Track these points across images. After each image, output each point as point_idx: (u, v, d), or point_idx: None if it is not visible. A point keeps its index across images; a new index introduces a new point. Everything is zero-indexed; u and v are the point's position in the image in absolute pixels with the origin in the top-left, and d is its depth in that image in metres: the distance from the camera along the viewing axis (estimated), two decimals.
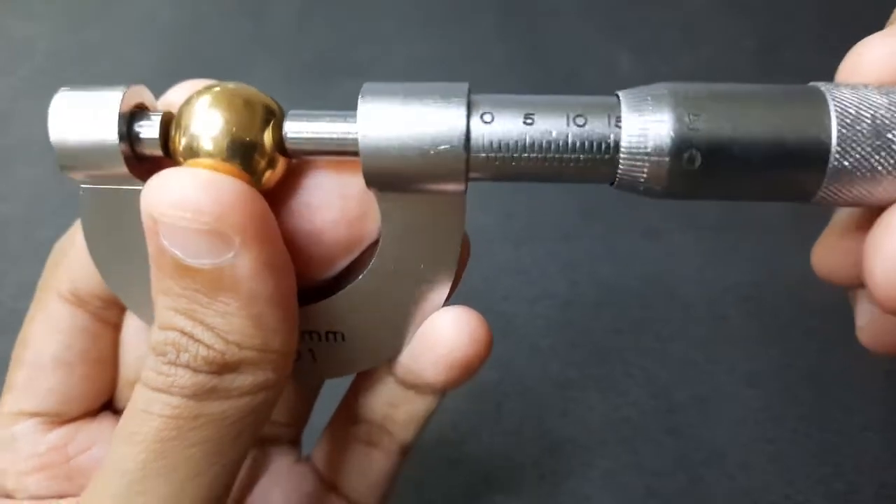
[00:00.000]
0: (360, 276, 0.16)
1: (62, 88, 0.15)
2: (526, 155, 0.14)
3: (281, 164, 0.15)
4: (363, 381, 0.19)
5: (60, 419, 0.18)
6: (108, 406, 0.20)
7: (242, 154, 0.14)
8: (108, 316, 0.18)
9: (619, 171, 0.13)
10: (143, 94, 0.15)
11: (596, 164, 0.14)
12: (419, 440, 0.19)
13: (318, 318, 0.17)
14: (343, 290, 0.16)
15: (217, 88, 0.15)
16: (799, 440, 0.33)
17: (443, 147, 0.14)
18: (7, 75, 0.47)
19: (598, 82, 0.49)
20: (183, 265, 0.13)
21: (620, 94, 0.14)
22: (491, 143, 0.14)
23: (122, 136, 0.15)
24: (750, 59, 0.50)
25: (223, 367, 0.14)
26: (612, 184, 0.14)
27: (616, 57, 0.51)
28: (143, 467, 0.14)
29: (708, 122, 0.13)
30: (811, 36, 0.52)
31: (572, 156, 0.13)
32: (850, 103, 0.13)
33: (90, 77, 0.46)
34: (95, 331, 0.18)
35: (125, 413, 0.15)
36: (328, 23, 0.53)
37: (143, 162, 0.15)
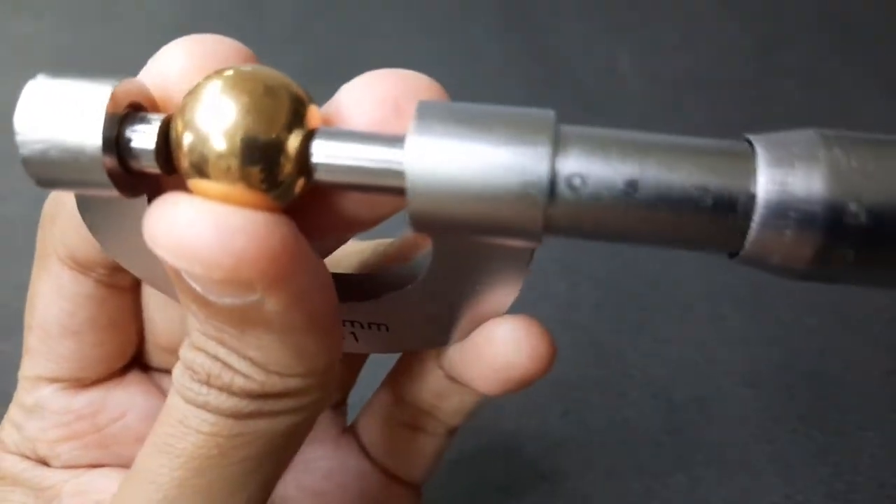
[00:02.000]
0: (409, 287, 0.14)
1: (39, 75, 0.11)
2: (627, 212, 0.10)
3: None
4: (409, 368, 0.17)
5: (81, 384, 0.17)
6: (136, 362, 0.18)
7: (262, 157, 0.11)
8: (116, 280, 0.16)
9: (749, 242, 0.10)
10: (140, 91, 0.12)
11: (719, 228, 0.10)
12: None
13: (361, 312, 0.15)
14: (388, 295, 0.14)
15: (231, 72, 0.11)
16: (799, 440, 0.33)
17: (516, 195, 0.10)
18: (7, 75, 0.47)
19: (599, 82, 0.49)
20: (204, 299, 0.12)
21: (754, 139, 0.11)
22: (582, 194, 0.10)
23: (107, 145, 0.11)
24: (750, 60, 0.50)
25: (264, 396, 0.13)
26: (732, 256, 0.11)
27: (616, 57, 0.51)
28: (179, 484, 0.13)
29: (876, 200, 0.10)
30: (811, 36, 0.52)
31: (687, 217, 0.10)
32: None
33: None
34: (102, 296, 0.16)
35: (161, 415, 0.13)
36: (328, 23, 0.53)
37: (138, 178, 0.12)
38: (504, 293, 0.14)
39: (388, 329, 0.15)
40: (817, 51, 0.50)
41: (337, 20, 0.53)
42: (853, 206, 0.10)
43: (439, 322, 0.15)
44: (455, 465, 0.31)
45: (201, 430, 0.13)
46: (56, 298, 0.16)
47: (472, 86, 0.48)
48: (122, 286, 0.17)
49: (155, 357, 0.18)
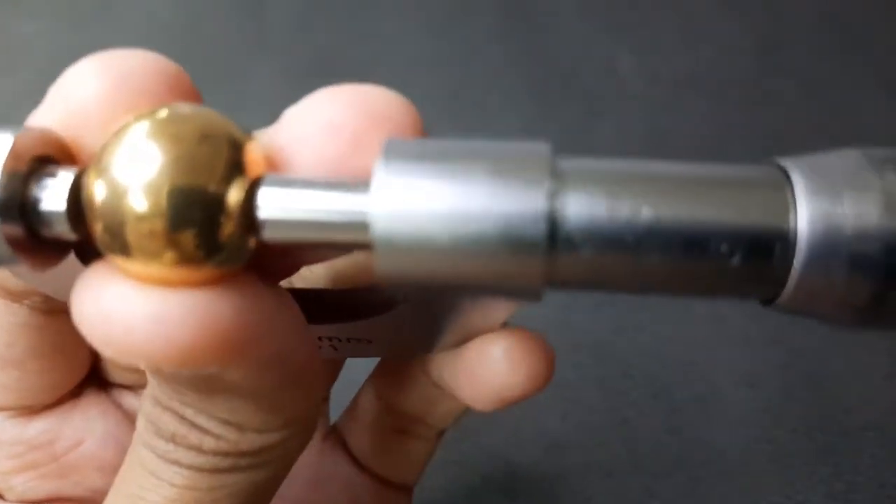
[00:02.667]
0: (394, 310, 0.13)
1: None
2: (640, 265, 0.09)
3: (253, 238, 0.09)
4: (393, 374, 0.16)
5: (32, 411, 0.16)
6: (92, 379, 0.17)
7: (197, 216, 0.09)
8: (54, 306, 0.14)
9: (790, 289, 0.09)
10: (48, 139, 0.10)
11: (752, 277, 0.09)
12: None
13: (340, 331, 0.13)
14: (368, 319, 0.13)
15: (160, 113, 0.09)
16: (799, 440, 0.33)
17: (509, 251, 0.09)
18: (6, 76, 0.47)
19: (599, 82, 0.49)
20: (161, 369, 0.10)
21: (789, 165, 0.09)
22: (587, 247, 0.09)
23: (7, 211, 0.09)
24: (750, 60, 0.50)
25: (240, 454, 0.11)
26: (768, 303, 0.09)
27: (616, 57, 0.51)
28: None
29: None
30: (811, 36, 0.52)
31: (714, 266, 0.09)
32: None
33: None
34: (40, 324, 0.15)
35: (126, 462, 0.12)
36: (328, 23, 0.53)
37: (53, 246, 0.10)
38: (499, 308, 0.13)
39: (369, 342, 0.14)
40: (817, 51, 0.50)
41: (337, 20, 0.53)
42: None
43: (427, 335, 0.14)
44: (455, 466, 0.31)
45: (175, 484, 0.11)
46: None
47: (472, 86, 0.48)
48: (62, 310, 0.14)
49: (114, 374, 0.17)
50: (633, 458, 0.32)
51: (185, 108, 0.09)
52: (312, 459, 0.18)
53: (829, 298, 0.09)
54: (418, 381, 0.15)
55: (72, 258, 0.11)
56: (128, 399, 0.18)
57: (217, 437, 0.11)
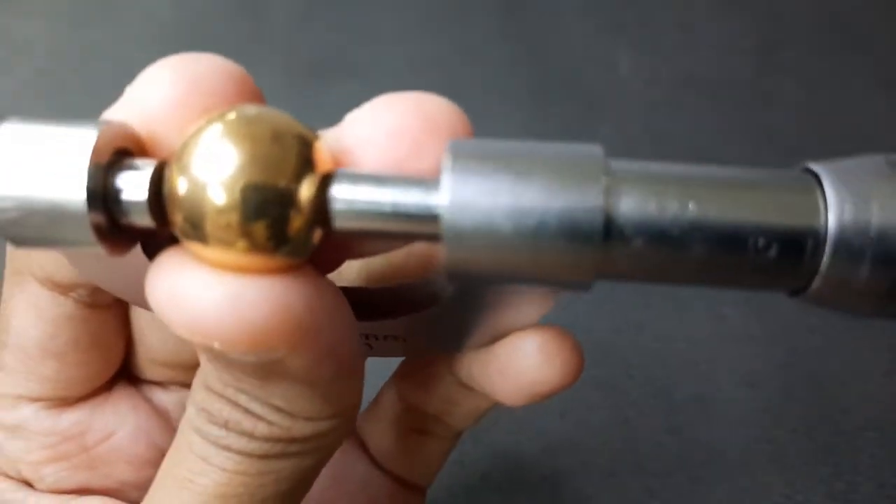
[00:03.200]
0: (431, 308, 0.13)
1: (6, 122, 0.10)
2: (684, 259, 0.10)
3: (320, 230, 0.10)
4: (416, 373, 0.17)
5: (66, 402, 0.16)
6: (123, 374, 0.18)
7: (268, 211, 0.09)
8: (98, 299, 0.15)
9: (817, 282, 0.10)
10: (124, 133, 0.10)
11: (784, 271, 0.10)
12: None
13: (376, 327, 0.14)
14: (407, 316, 0.13)
15: (233, 114, 0.10)
16: (799, 440, 0.33)
17: (567, 244, 0.09)
18: (6, 76, 0.47)
19: (599, 82, 0.49)
20: (223, 354, 0.10)
21: (819, 169, 0.10)
22: (637, 242, 0.10)
23: (93, 202, 0.10)
24: (750, 60, 0.50)
25: (291, 440, 0.12)
26: (795, 294, 0.10)
27: (616, 57, 0.51)
28: None
29: None
30: (811, 36, 0.52)
31: (750, 261, 0.10)
32: None
33: (89, 77, 0.46)
34: (84, 317, 0.15)
35: (175, 445, 0.13)
36: (328, 23, 0.53)
37: (127, 232, 0.10)
38: (535, 307, 0.13)
39: (403, 340, 0.14)
40: (817, 51, 0.50)
41: (337, 20, 0.53)
42: None
43: (460, 332, 0.14)
44: (456, 466, 0.31)
45: (226, 468, 0.12)
46: (34, 320, 0.15)
47: (472, 86, 0.48)
48: (105, 304, 0.16)
49: (148, 370, 0.18)
50: (633, 458, 0.32)
51: (253, 109, 0.10)
52: (333, 458, 0.19)
53: (852, 290, 0.10)
54: (442, 380, 0.16)
55: (136, 250, 0.11)
56: (158, 395, 0.18)
57: (270, 423, 0.12)
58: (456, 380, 0.15)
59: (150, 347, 0.17)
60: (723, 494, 0.31)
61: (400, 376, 0.18)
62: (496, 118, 0.46)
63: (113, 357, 0.17)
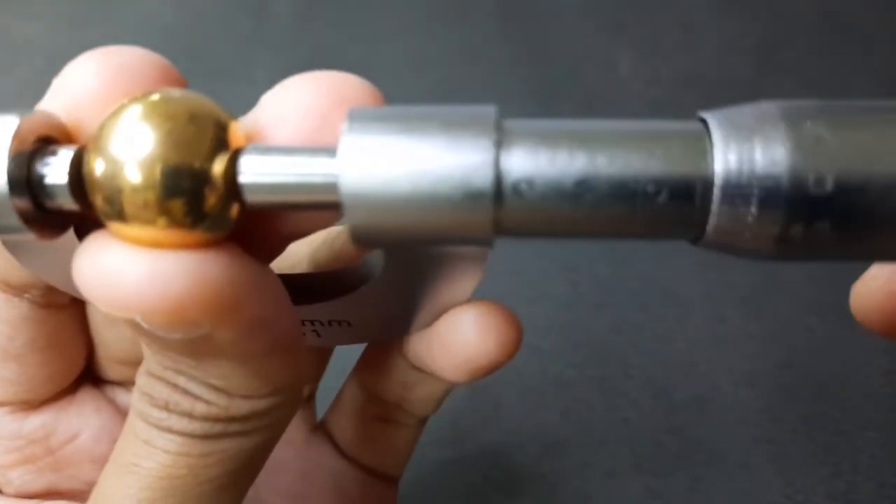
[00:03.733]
0: (364, 287, 0.14)
1: None
2: (578, 210, 0.10)
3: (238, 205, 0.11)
4: (373, 360, 0.17)
5: (30, 406, 0.17)
6: (87, 376, 0.18)
7: (184, 189, 0.10)
8: (53, 300, 0.15)
9: (711, 225, 0.10)
10: (48, 122, 0.11)
11: (677, 218, 0.10)
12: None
13: (321, 312, 0.14)
14: (345, 296, 0.14)
15: (153, 96, 0.10)
16: (799, 440, 0.33)
17: (462, 202, 0.10)
18: (6, 75, 0.47)
19: (599, 82, 0.49)
20: (153, 334, 0.11)
21: (709, 116, 0.10)
22: (530, 197, 0.10)
23: (15, 187, 0.10)
24: (750, 59, 0.50)
25: (230, 419, 0.12)
26: (695, 242, 0.11)
27: (616, 57, 0.51)
28: None
29: (842, 171, 0.09)
30: (811, 36, 0.52)
31: (643, 210, 0.10)
32: None
33: None
34: (40, 317, 0.15)
35: (123, 435, 0.13)
36: (328, 22, 0.53)
37: (56, 216, 0.11)
38: (465, 282, 0.13)
39: (349, 325, 0.15)
40: (817, 50, 0.50)
41: (336, 20, 0.53)
42: (819, 175, 0.09)
43: (401, 315, 0.14)
44: (456, 465, 0.31)
45: (169, 450, 0.12)
46: None
47: (472, 86, 0.48)
48: (61, 304, 0.16)
49: (108, 370, 0.18)
50: (633, 458, 0.32)
51: (175, 92, 0.10)
52: (301, 453, 0.19)
53: (746, 234, 0.10)
54: (397, 366, 0.16)
55: (71, 240, 0.12)
56: (121, 395, 0.18)
57: (207, 402, 0.12)
58: (408, 364, 0.16)
59: (108, 346, 0.17)
60: (723, 494, 0.31)
61: (360, 365, 0.18)
62: None
63: (74, 358, 0.17)
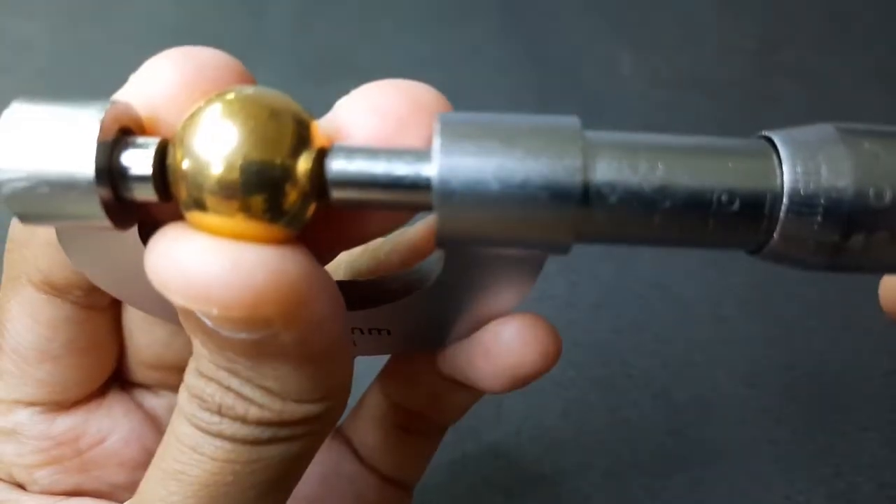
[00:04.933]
0: (415, 294, 0.14)
1: (15, 101, 0.10)
2: (655, 219, 0.10)
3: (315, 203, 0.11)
4: (399, 370, 0.17)
5: (61, 406, 0.17)
6: (116, 379, 0.18)
7: (266, 185, 0.10)
8: (93, 301, 0.16)
9: (777, 234, 0.11)
10: (128, 113, 0.11)
11: (746, 228, 0.11)
12: None
13: (362, 319, 0.14)
14: (391, 303, 0.14)
15: (232, 94, 0.10)
16: (799, 440, 0.33)
17: (548, 208, 0.10)
18: (6, 75, 0.47)
19: (600, 82, 0.49)
20: (216, 333, 0.11)
21: (774, 136, 0.11)
22: (612, 204, 0.10)
23: (101, 176, 0.10)
24: (751, 59, 0.50)
25: (282, 423, 0.12)
26: (759, 250, 0.11)
27: (617, 57, 0.51)
28: None
29: None
30: (812, 36, 0.52)
31: (715, 220, 0.10)
32: None
33: (89, 77, 0.46)
34: (80, 319, 0.16)
35: (165, 440, 0.13)
36: (328, 23, 0.53)
37: (130, 207, 0.11)
38: (512, 295, 0.14)
39: (388, 333, 0.15)
40: (818, 50, 0.50)
41: (337, 20, 0.53)
42: (879, 188, 0.10)
43: (442, 325, 0.14)
44: (456, 466, 0.31)
45: (216, 458, 0.12)
46: (31, 323, 0.15)
47: (472, 86, 0.48)
48: (100, 306, 0.16)
49: (138, 374, 0.18)
50: (633, 458, 0.32)
51: (251, 89, 0.11)
52: (321, 457, 0.19)
53: (807, 243, 0.11)
54: (426, 377, 0.16)
55: (129, 238, 0.12)
56: (149, 399, 0.18)
57: (261, 406, 0.12)
58: (439, 375, 0.16)
59: (140, 349, 0.17)
60: (723, 494, 0.31)
61: (385, 375, 0.18)
62: None
63: (106, 361, 0.17)
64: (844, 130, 0.11)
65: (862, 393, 0.34)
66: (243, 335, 0.11)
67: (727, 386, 0.34)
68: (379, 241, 0.17)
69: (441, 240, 0.11)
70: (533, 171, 0.10)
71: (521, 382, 0.15)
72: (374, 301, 0.14)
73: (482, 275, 0.13)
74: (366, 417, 0.19)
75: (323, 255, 0.13)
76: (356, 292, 0.15)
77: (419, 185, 0.10)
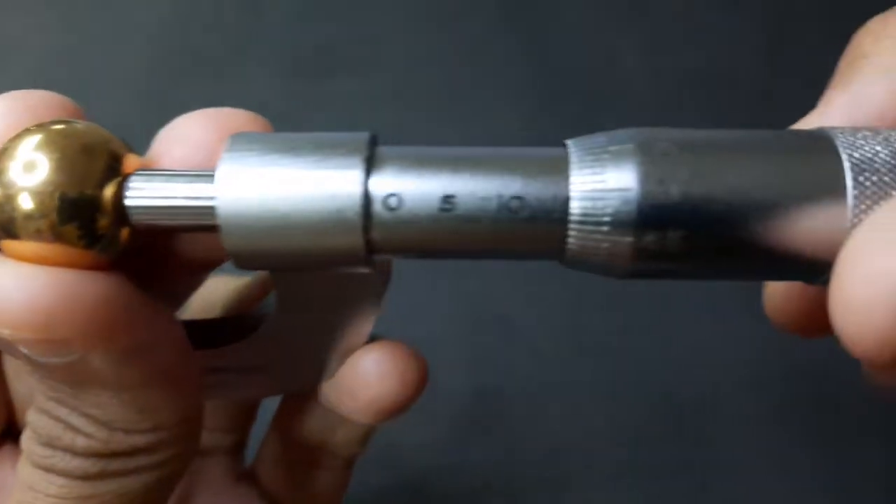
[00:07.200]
0: (260, 329, 0.14)
1: None
2: (447, 227, 0.10)
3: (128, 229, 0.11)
4: (292, 406, 0.17)
5: None
6: (9, 434, 0.17)
7: (76, 213, 0.10)
8: None
9: (571, 240, 0.11)
10: None
11: (538, 236, 0.11)
12: (412, 444, 0.19)
13: (230, 359, 0.14)
14: (246, 339, 0.14)
15: (49, 128, 0.11)
16: (801, 443, 0.32)
17: (333, 220, 0.10)
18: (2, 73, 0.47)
19: (602, 79, 0.49)
20: (32, 359, 0.11)
21: (571, 143, 0.11)
22: (400, 214, 0.10)
23: None
24: (756, 58, 0.50)
25: (111, 455, 0.12)
26: (561, 258, 0.11)
27: (620, 55, 0.50)
28: None
29: (687, 182, 0.10)
30: (817, 34, 0.52)
31: (506, 227, 0.10)
32: (866, 151, 0.10)
33: (85, 76, 0.46)
34: None
35: (16, 483, 0.13)
36: (326, 20, 0.53)
37: None
38: (360, 324, 0.14)
39: (260, 372, 0.15)
40: (823, 48, 0.50)
41: (336, 17, 0.53)
42: (665, 182, 0.10)
43: (309, 360, 0.14)
44: (457, 469, 0.31)
45: (49, 494, 0.12)
46: None
47: (474, 82, 0.48)
48: None
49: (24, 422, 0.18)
50: (633, 460, 0.32)
51: (68, 123, 0.11)
52: (227, 499, 0.19)
53: (602, 250, 0.10)
54: (314, 410, 0.16)
55: None
56: None
57: (88, 435, 0.12)
58: (324, 409, 0.16)
59: (20, 397, 0.17)
60: (723, 496, 0.31)
61: (279, 413, 0.18)
62: (498, 115, 0.45)
63: None
64: (640, 132, 0.11)
65: (864, 397, 0.34)
66: (54, 359, 0.11)
67: (729, 389, 0.34)
68: (245, 279, 0.17)
69: (236, 261, 0.11)
70: (314, 188, 0.10)
71: (388, 413, 0.14)
72: (228, 339, 0.14)
73: (320, 307, 0.13)
74: (268, 457, 0.19)
75: (163, 282, 0.13)
76: (213, 330, 0.14)
77: (206, 210, 0.10)
